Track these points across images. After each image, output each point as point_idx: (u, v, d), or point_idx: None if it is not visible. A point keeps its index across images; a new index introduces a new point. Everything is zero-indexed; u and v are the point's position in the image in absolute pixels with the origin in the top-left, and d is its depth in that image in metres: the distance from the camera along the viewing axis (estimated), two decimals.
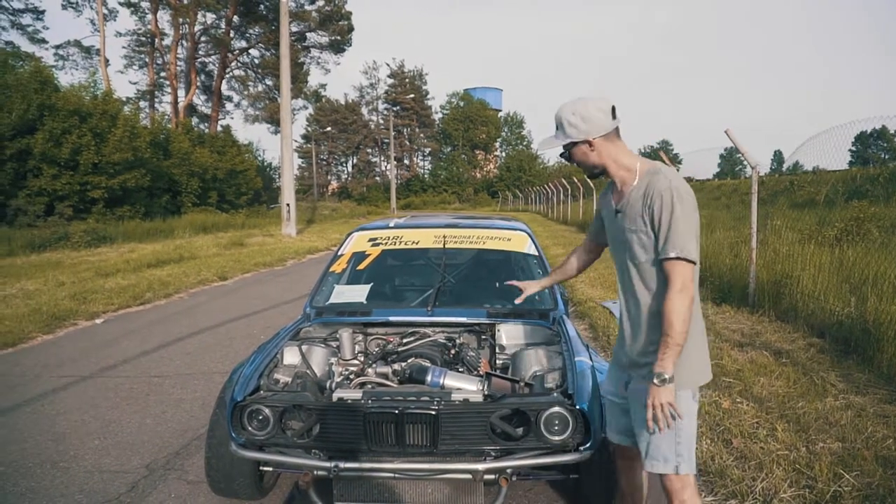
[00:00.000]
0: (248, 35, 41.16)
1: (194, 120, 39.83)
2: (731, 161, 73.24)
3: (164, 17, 38.41)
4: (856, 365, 5.29)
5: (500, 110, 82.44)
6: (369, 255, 4.45)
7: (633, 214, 2.31)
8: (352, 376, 3.41)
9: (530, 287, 3.19)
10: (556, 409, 2.87)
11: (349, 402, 2.89)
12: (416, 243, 4.47)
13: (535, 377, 3.40)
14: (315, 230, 24.97)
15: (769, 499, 3.27)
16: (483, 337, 3.94)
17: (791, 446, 3.79)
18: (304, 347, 3.58)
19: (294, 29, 36.75)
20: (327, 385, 3.19)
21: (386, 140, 75.84)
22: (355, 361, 3.71)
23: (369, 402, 2.86)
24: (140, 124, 25.66)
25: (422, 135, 79.80)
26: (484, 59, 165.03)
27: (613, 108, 2.35)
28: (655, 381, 2.20)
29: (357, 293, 4.27)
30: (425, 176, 77.82)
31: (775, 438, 3.91)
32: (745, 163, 7.94)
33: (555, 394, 3.00)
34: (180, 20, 36.83)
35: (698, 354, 2.35)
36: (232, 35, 39.96)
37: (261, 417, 2.93)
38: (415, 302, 4.22)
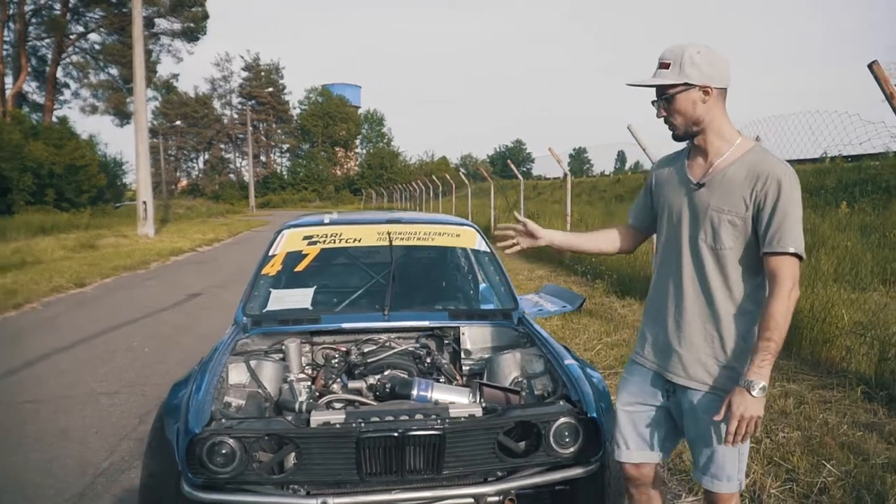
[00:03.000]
0: (86, 19, 37.73)
1: (25, 109, 35.95)
2: (579, 160, 77.25)
3: None
4: (784, 357, 5.47)
5: (360, 107, 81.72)
6: (307, 255, 3.95)
7: (729, 193, 2.00)
8: (317, 394, 2.96)
9: (541, 234, 2.47)
10: (567, 419, 2.61)
11: (337, 426, 2.46)
12: (359, 241, 4.03)
13: (517, 384, 3.12)
14: (172, 230, 23.26)
15: (757, 494, 3.19)
16: (446, 341, 3.60)
17: (755, 438, 3.77)
18: (252, 363, 3.08)
19: (143, 13, 34.10)
20: (296, 407, 2.72)
21: (240, 135, 72.72)
22: (303, 376, 3.27)
23: (362, 425, 2.45)
24: None
25: (279, 131, 77.28)
26: (342, 55, 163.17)
27: None
28: (753, 391, 1.87)
29: (299, 298, 3.78)
30: (283, 173, 75.53)
31: None
32: (647, 158, 8.10)
33: (561, 402, 2.74)
34: None
35: None
36: (69, 18, 36.45)
37: (224, 451, 2.42)
38: (366, 306, 3.80)
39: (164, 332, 7.29)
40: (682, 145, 2.23)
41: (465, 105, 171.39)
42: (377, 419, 2.50)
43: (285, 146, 78.34)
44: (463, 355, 3.50)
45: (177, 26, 37.80)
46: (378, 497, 2.47)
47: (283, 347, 3.34)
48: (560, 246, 2.54)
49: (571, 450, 2.61)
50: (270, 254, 3.94)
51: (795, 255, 1.92)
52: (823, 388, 4.60)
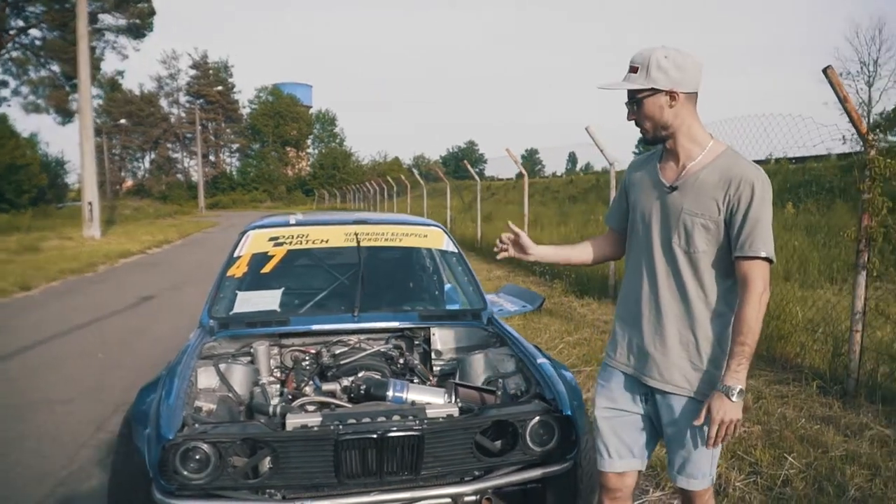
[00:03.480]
0: (26, 14, 36.37)
1: None
2: (531, 161, 77.96)
3: None
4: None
5: (311, 107, 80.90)
6: (273, 256, 3.89)
7: (702, 196, 2.00)
8: (289, 397, 2.92)
9: (531, 249, 2.43)
10: (543, 417, 2.65)
11: (315, 429, 2.43)
12: (326, 242, 3.99)
13: (490, 383, 3.14)
14: (119, 231, 22.62)
15: (723, 487, 3.27)
16: (416, 342, 3.60)
17: None
18: (221, 366, 3.02)
19: (87, 8, 33.02)
20: (270, 410, 2.68)
21: (188, 135, 71.20)
22: (272, 379, 3.23)
23: (340, 427, 2.43)
24: None
25: (228, 130, 75.86)
26: (293, 54, 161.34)
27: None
28: (732, 396, 1.89)
29: (266, 300, 3.72)
30: (233, 173, 74.21)
31: None
32: (604, 159, 8.24)
33: (535, 401, 2.77)
34: None
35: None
36: (8, 12, 35.09)
37: (198, 457, 2.37)
38: (335, 307, 3.76)
39: (117, 336, 7.08)
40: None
41: (417, 106, 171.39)
42: (354, 421, 2.49)
43: (235, 146, 76.93)
44: (433, 356, 3.50)
45: (122, 22, 36.73)
46: (356, 499, 2.46)
47: (252, 350, 3.30)
48: (550, 261, 2.53)
49: (547, 447, 2.66)
50: (235, 255, 3.87)
51: (766, 259, 1.94)
52: (780, 383, 4.74)
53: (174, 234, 22.38)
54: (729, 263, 2.01)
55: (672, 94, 1.99)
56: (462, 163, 15.58)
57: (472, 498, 2.63)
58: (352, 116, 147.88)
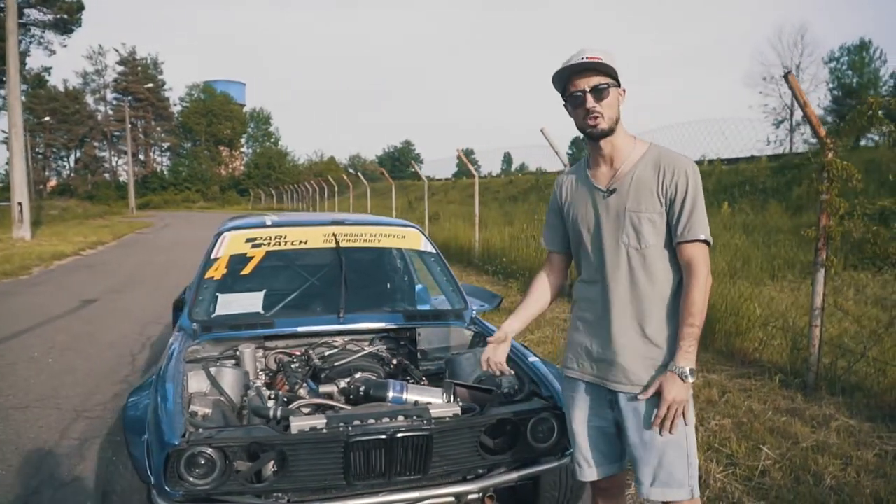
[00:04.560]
0: None
1: None
2: (468, 161, 78.07)
3: None
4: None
5: (245, 105, 79.26)
6: (252, 257, 3.81)
7: (642, 192, 2.04)
8: (285, 399, 2.88)
9: (505, 338, 2.44)
10: (544, 415, 2.71)
11: (324, 431, 2.41)
12: (305, 243, 3.93)
13: (482, 382, 3.16)
14: (49, 233, 21.59)
15: (704, 479, 3.37)
16: (401, 342, 3.60)
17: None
18: (212, 370, 2.95)
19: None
20: (270, 413, 2.63)
21: (116, 133, 68.76)
22: (265, 381, 3.19)
23: (349, 428, 2.42)
24: None
25: (159, 128, 73.56)
26: (226, 51, 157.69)
27: None
28: (683, 377, 1.93)
29: (249, 302, 3.65)
30: (164, 173, 71.98)
31: None
32: (552, 160, 8.37)
33: (534, 399, 2.82)
34: None
35: None
36: None
37: (203, 462, 2.33)
38: (319, 309, 3.72)
39: (64, 340, 6.79)
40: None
41: (353, 105, 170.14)
42: (360, 423, 2.48)
43: (166, 144, 74.70)
44: (419, 356, 3.51)
45: (49, 17, 35.17)
46: (364, 500, 2.46)
47: (238, 353, 3.24)
48: (528, 323, 2.52)
49: (547, 444, 2.72)
50: (213, 257, 3.78)
51: (705, 241, 2.01)
52: (741, 377, 4.92)
53: (107, 236, 21.57)
54: (674, 254, 2.06)
55: (621, 91, 2.10)
56: (410, 163, 15.51)
57: (475, 496, 2.67)
58: (287, 115, 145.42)
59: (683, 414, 1.99)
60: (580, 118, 2.10)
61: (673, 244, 2.05)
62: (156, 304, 8.54)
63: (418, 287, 4.58)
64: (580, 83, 2.05)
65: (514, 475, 2.70)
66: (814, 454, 3.55)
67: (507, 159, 66.93)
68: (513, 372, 2.73)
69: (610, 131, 2.08)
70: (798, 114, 39.84)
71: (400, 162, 77.06)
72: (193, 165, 69.05)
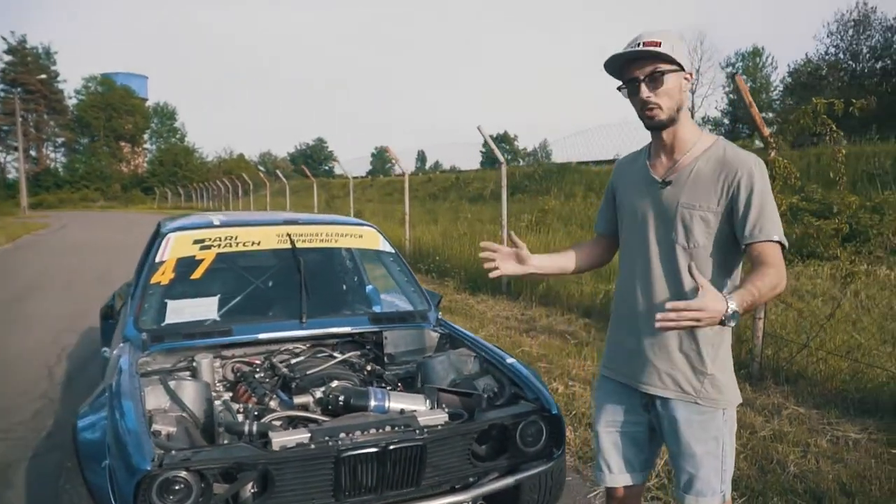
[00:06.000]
0: None
1: None
2: (381, 160, 77.98)
3: None
4: None
5: (147, 99, 75.91)
6: (202, 260, 3.57)
7: (699, 188, 1.91)
8: (255, 413, 2.69)
9: (529, 261, 2.21)
10: (533, 418, 2.66)
11: (313, 447, 2.26)
12: (258, 244, 3.72)
13: (458, 385, 3.08)
14: None
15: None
16: (367, 347, 3.45)
17: None
18: (171, 384, 2.72)
19: None
20: (246, 429, 2.44)
21: (4, 127, 64.11)
22: (218, 390, 2.99)
23: (339, 442, 2.28)
24: None
25: (52, 122, 69.20)
26: (125, 42, 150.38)
27: None
28: (730, 306, 1.63)
29: (202, 308, 3.40)
30: (59, 170, 67.83)
31: None
32: (497, 158, 8.37)
33: (521, 402, 2.75)
34: None
35: (733, 373, 2.04)
36: None
37: (178, 487, 2.13)
38: (279, 313, 3.52)
39: None
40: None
41: (262, 101, 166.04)
42: (346, 435, 2.35)
43: (60, 140, 70.36)
44: (386, 360, 3.38)
45: None
46: None
47: (195, 364, 3.01)
48: (546, 272, 2.30)
49: (536, 447, 2.67)
50: (158, 260, 3.51)
51: (779, 242, 1.84)
52: None
53: (0, 238, 20.13)
54: (729, 259, 1.94)
55: (687, 77, 1.93)
56: (335, 161, 15.15)
57: None
58: (193, 111, 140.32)
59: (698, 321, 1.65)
60: (637, 108, 1.97)
61: (729, 249, 1.92)
62: (67, 311, 7.99)
63: (368, 288, 4.45)
64: (635, 71, 1.91)
65: (509, 480, 2.65)
66: (772, 443, 3.65)
67: (421, 157, 67.14)
68: (506, 269, 2.39)
69: (669, 122, 1.94)
70: (698, 115, 41.90)
71: (312, 159, 75.84)
72: (92, 162, 65.35)
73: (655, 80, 1.89)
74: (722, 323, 1.63)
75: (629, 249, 2.11)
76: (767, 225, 1.84)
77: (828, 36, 38.21)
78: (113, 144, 68.07)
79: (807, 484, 3.20)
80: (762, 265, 1.81)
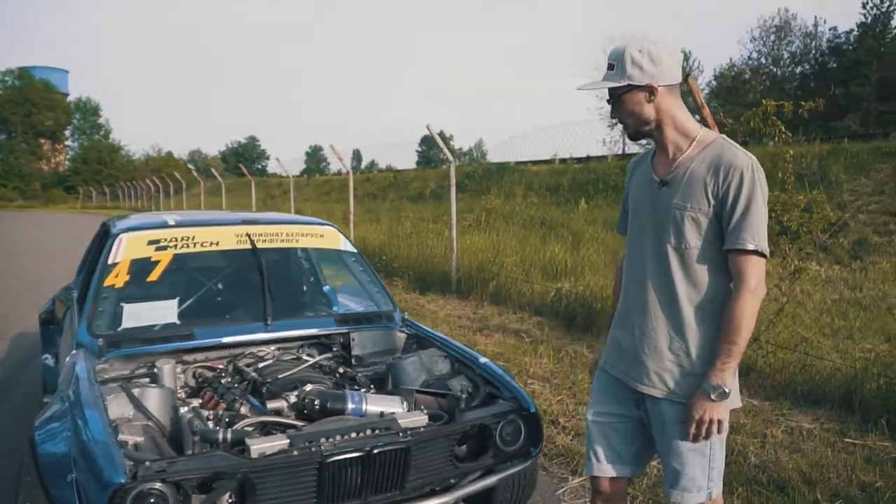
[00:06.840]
0: None
1: None
2: (315, 159, 77.13)
3: None
4: (589, 336, 5.98)
5: (69, 94, 72.75)
6: (158, 262, 3.41)
7: (691, 189, 1.91)
8: (226, 420, 2.58)
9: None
10: (512, 416, 2.65)
11: (295, 453, 2.19)
12: (217, 244, 3.59)
13: (430, 386, 3.05)
14: None
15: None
16: (333, 348, 3.37)
17: None
18: (135, 391, 2.60)
19: None
20: (220, 436, 2.34)
21: None
22: (181, 396, 2.86)
23: (321, 448, 2.22)
24: None
25: None
26: (44, 34, 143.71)
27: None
28: (712, 395, 1.83)
29: (161, 312, 3.25)
30: None
31: None
32: (445, 156, 8.35)
33: (499, 401, 2.74)
34: None
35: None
36: None
37: (154, 500, 2.04)
38: (241, 316, 3.40)
39: None
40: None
41: (191, 97, 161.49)
42: (327, 440, 2.29)
43: None
44: (354, 362, 3.32)
45: None
46: None
47: (155, 370, 2.88)
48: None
49: (515, 446, 2.68)
50: (110, 262, 3.34)
51: (758, 253, 1.85)
52: None
53: None
54: (723, 261, 1.93)
55: (650, 89, 1.93)
56: (276, 159, 14.82)
57: None
58: (118, 107, 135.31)
59: (718, 429, 1.90)
60: None
61: (721, 250, 1.91)
62: None
63: (326, 288, 4.37)
64: (608, 91, 2.00)
65: (491, 480, 2.64)
66: (731, 434, 3.74)
67: (357, 157, 66.61)
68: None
69: (641, 134, 2.02)
70: None
71: (245, 158, 74.14)
72: (9, 160, 62.18)
73: (614, 103, 2.00)
74: (722, 397, 1.86)
75: (630, 249, 2.15)
76: (744, 233, 1.85)
77: (751, 41, 39.79)
78: (32, 141, 64.93)
79: (769, 474, 3.30)
80: (735, 284, 1.89)
